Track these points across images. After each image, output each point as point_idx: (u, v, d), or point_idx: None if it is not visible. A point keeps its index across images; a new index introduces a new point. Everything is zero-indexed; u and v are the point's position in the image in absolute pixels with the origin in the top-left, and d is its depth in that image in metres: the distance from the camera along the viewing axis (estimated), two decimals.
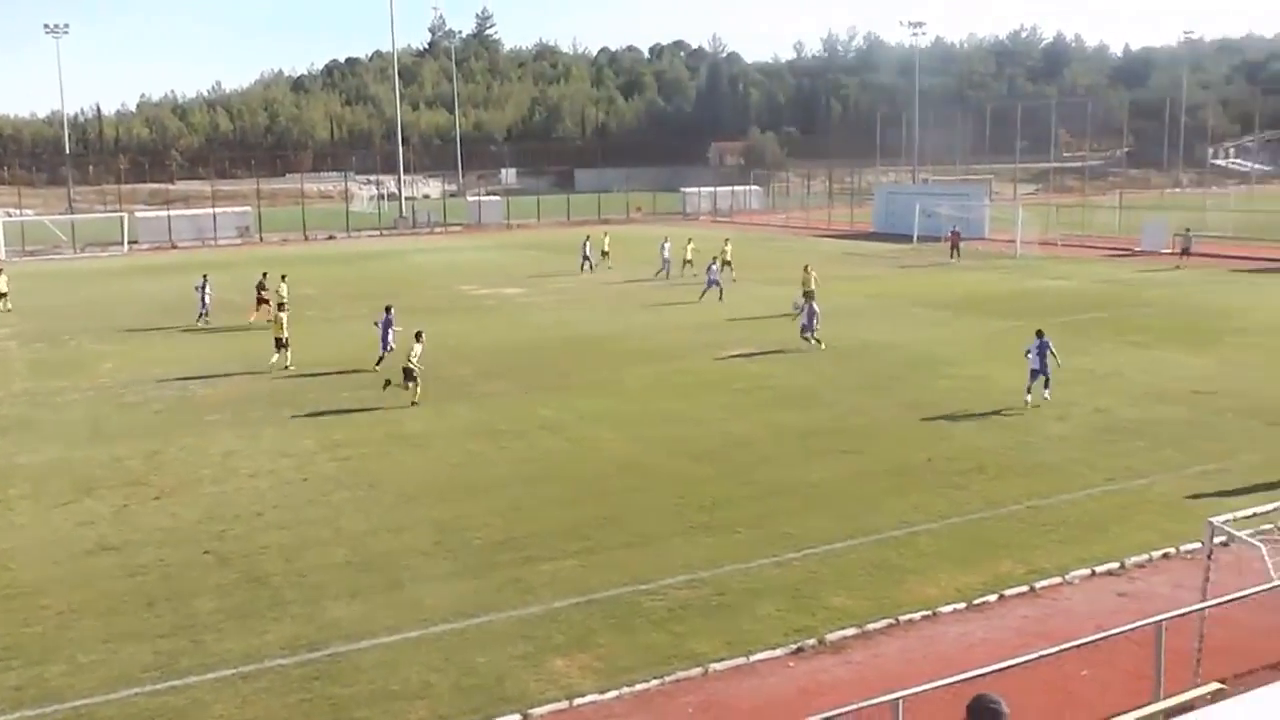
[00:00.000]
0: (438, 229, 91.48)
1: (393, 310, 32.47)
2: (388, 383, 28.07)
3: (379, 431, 24.77)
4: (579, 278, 53.62)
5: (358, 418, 26.14)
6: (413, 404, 27.05)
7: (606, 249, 57.72)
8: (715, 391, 28.13)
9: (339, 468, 22.04)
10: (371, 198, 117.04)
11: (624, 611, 14.78)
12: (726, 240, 53.25)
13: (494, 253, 69.72)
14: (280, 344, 32.37)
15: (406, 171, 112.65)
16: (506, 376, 30.58)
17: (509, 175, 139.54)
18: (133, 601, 15.43)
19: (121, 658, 13.73)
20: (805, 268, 39.34)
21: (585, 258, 55.99)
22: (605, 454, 22.62)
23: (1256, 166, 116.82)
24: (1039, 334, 25.70)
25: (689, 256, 52.52)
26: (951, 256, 57.33)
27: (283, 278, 40.77)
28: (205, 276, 42.65)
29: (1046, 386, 25.38)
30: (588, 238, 58.77)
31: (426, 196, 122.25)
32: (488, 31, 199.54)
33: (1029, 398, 25.27)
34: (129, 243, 78.49)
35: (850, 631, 13.99)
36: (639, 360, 32.32)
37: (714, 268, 44.39)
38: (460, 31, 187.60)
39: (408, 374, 27.32)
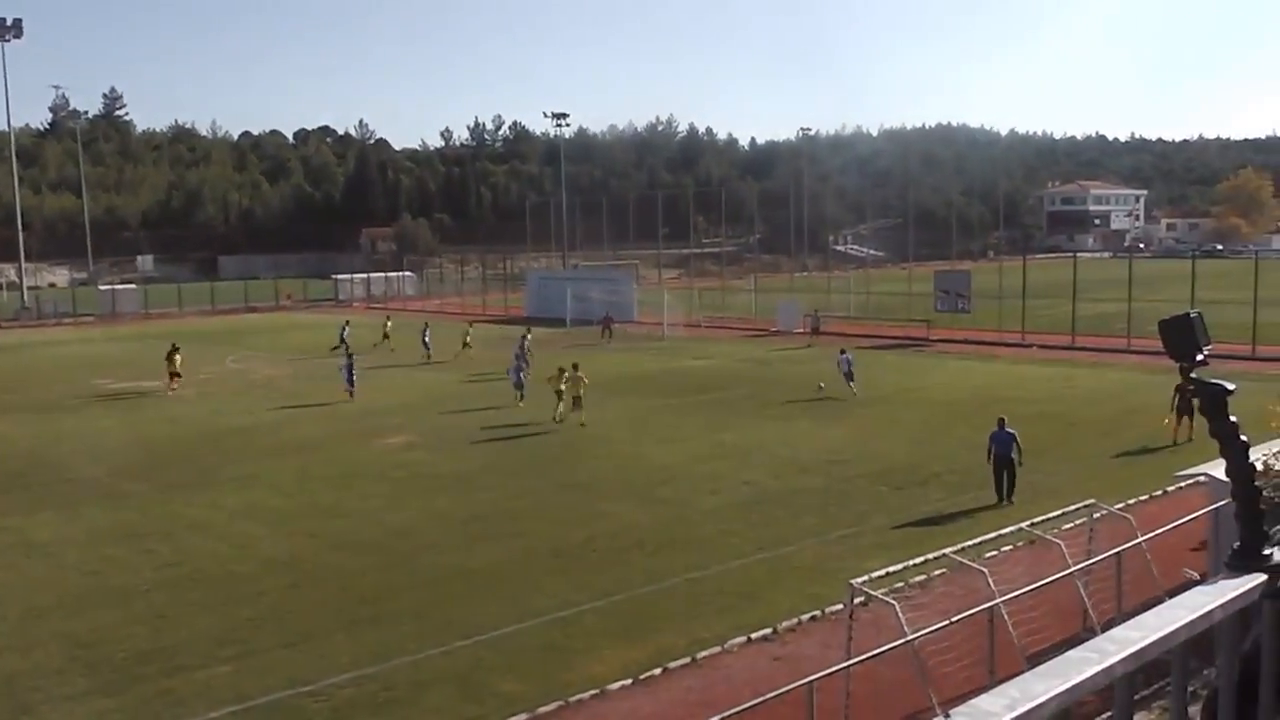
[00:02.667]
0: (66, 320, 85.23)
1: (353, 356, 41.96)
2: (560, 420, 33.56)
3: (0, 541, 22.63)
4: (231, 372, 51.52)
5: None
6: (581, 425, 32.92)
7: (388, 332, 57.28)
8: (374, 480, 27.54)
9: None
10: None
11: (286, 716, 14.10)
12: (527, 330, 52.07)
13: (132, 344, 65.53)
14: None
15: (29, 259, 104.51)
16: (147, 475, 28.72)
17: (146, 262, 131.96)
18: None
19: None
20: (574, 365, 35.56)
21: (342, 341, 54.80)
22: (258, 552, 21.62)
23: (871, 252, 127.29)
24: (842, 350, 40.06)
25: (468, 341, 51.40)
26: (603, 338, 59.14)
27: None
28: None
29: (853, 380, 38.11)
30: (347, 322, 58.01)
31: (53, 285, 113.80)
32: (118, 112, 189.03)
33: (823, 385, 38.58)
34: None
35: (521, 717, 13.92)
36: (293, 451, 31.20)
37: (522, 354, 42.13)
38: (86, 112, 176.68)
39: (576, 401, 33.49)
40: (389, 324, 59.61)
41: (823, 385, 38.98)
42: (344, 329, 56.05)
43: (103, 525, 23.78)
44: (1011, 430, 24.00)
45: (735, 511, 23.68)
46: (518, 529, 22.70)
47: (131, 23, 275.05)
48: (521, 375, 38.30)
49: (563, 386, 34.44)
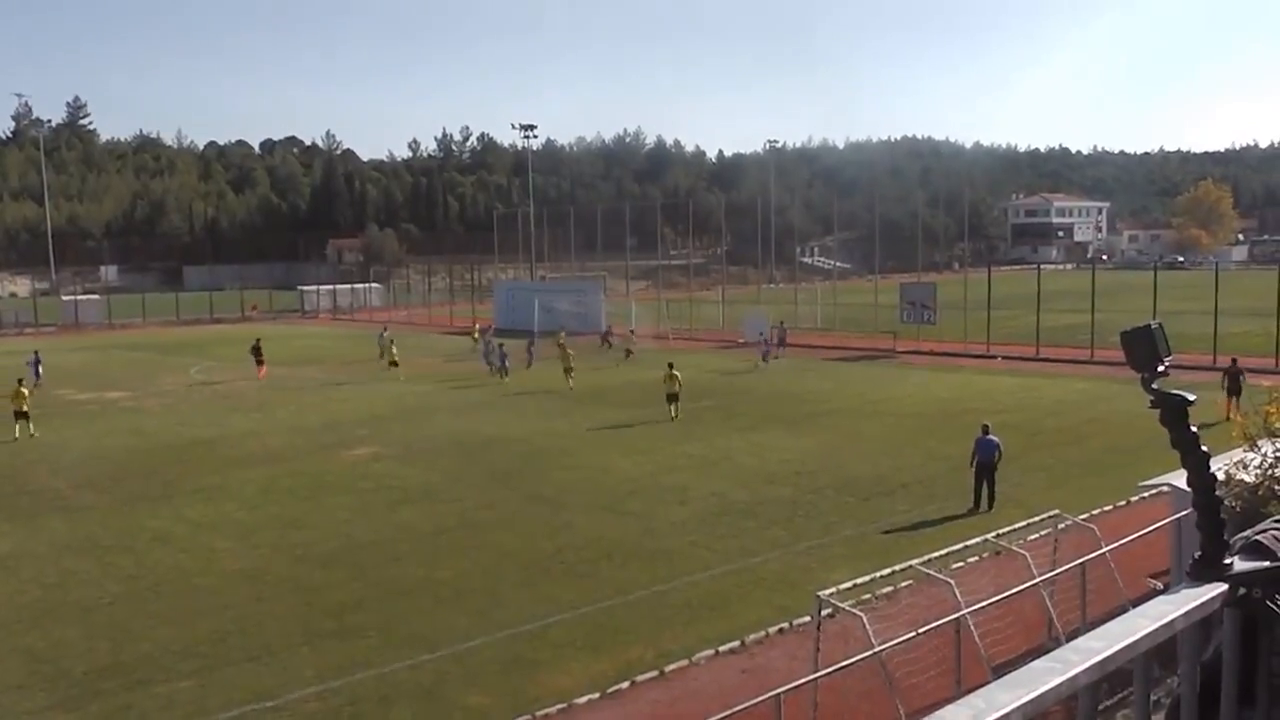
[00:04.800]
0: (28, 330, 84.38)
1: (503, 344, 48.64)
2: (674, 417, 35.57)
3: None
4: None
5: None
6: (672, 419, 35.20)
7: (477, 335, 60.89)
8: (339, 492, 27.35)
9: None
10: None
11: None
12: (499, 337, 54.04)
13: (94, 354, 64.94)
14: (22, 415, 34.96)
15: None
16: (108, 487, 28.42)
17: (110, 272, 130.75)
18: None
19: None
20: (670, 365, 37.80)
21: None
22: (222, 564, 21.42)
23: (837, 264, 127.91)
24: (781, 326, 50.69)
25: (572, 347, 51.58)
26: (603, 346, 59.63)
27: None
28: (36, 353, 47.81)
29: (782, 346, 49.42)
30: (386, 328, 62.13)
31: (14, 295, 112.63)
32: (81, 121, 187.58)
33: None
34: None
35: None
36: (257, 463, 30.96)
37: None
38: (50, 120, 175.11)
39: (673, 398, 35.75)
40: (478, 328, 64.54)
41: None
42: (383, 332, 60.82)
43: (64, 538, 23.50)
44: (995, 438, 24.30)
45: (703, 523, 23.66)
46: (484, 541, 22.61)
47: (96, 31, 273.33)
48: (500, 358, 47.10)
49: (676, 389, 36.91)
